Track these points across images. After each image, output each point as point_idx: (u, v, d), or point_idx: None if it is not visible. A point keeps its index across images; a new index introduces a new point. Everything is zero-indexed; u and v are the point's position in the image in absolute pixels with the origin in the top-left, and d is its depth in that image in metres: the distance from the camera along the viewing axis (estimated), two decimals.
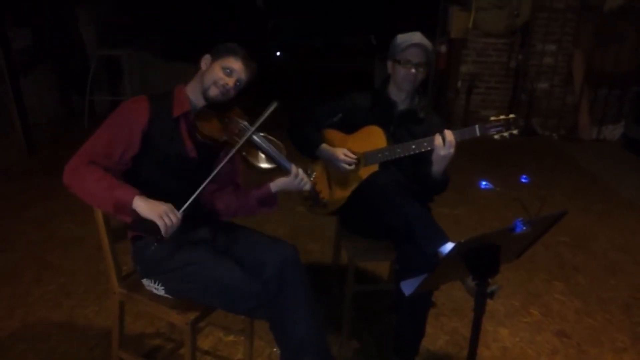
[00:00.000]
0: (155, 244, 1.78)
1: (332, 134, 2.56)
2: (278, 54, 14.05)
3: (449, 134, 2.15)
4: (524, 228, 1.47)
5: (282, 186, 2.05)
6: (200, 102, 1.99)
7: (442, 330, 2.71)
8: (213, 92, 1.95)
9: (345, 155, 2.40)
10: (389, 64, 2.43)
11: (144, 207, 1.75)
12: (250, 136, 1.90)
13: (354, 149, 2.45)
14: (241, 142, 1.87)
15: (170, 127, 1.94)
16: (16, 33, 5.55)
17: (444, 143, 2.14)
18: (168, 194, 1.86)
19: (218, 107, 1.99)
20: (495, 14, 6.31)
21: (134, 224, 1.91)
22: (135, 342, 2.52)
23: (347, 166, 2.40)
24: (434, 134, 2.22)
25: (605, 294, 3.10)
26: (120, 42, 6.53)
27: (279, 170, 1.99)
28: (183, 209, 1.77)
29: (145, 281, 1.99)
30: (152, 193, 1.83)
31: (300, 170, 2.01)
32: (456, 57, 6.66)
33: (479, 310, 1.59)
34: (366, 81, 8.20)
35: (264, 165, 1.97)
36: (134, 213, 1.77)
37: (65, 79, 6.48)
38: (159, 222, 1.72)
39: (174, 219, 1.74)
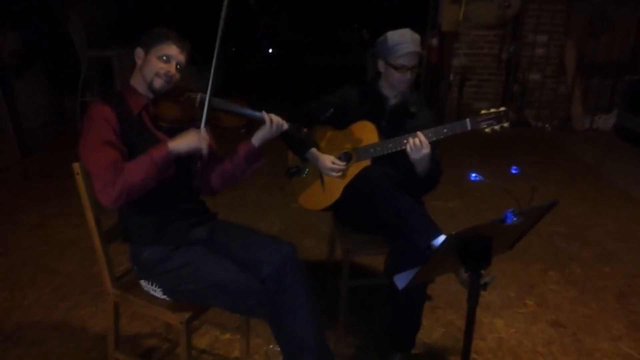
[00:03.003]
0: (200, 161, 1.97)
1: (324, 129, 2.56)
2: (270, 51, 14.02)
3: (419, 136, 2.17)
4: (515, 219, 1.47)
5: (263, 137, 2.08)
6: (149, 94, 1.98)
7: (438, 322, 2.72)
8: (158, 83, 1.94)
9: (333, 163, 2.40)
10: (380, 63, 2.42)
11: (181, 147, 1.87)
12: (212, 101, 1.94)
13: (346, 145, 2.45)
14: (205, 109, 1.92)
15: (135, 124, 1.92)
16: (6, 36, 5.52)
17: (414, 146, 2.16)
18: (162, 186, 1.89)
19: (168, 92, 2.00)
20: (485, 6, 6.30)
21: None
22: (132, 343, 2.52)
23: (334, 174, 2.40)
24: (426, 127, 2.23)
25: (600, 283, 3.12)
26: (111, 42, 6.50)
27: (253, 124, 2.06)
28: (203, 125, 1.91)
29: (143, 282, 2.00)
30: (144, 194, 1.86)
31: (272, 115, 2.05)
32: (448, 51, 6.66)
33: (473, 302, 1.60)
34: (359, 76, 8.20)
35: (237, 123, 2.03)
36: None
37: (57, 81, 6.45)
38: (202, 146, 1.89)
39: (206, 137, 1.91)
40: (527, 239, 1.76)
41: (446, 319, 2.75)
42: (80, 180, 1.89)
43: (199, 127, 1.91)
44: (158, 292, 1.96)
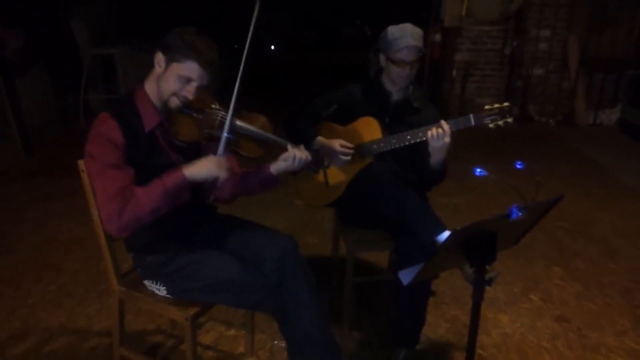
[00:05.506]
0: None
1: (328, 126, 2.56)
2: (273, 48, 14.00)
3: (443, 124, 2.15)
4: (520, 214, 1.46)
5: (283, 168, 1.99)
6: (164, 106, 1.85)
7: (442, 318, 2.72)
8: (174, 103, 1.80)
9: (342, 145, 2.39)
10: (382, 57, 2.42)
11: (198, 174, 1.76)
12: (233, 124, 1.80)
13: (350, 141, 2.45)
14: (224, 136, 1.78)
15: (146, 141, 1.81)
16: (9, 34, 5.53)
17: (437, 135, 2.14)
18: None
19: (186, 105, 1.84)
20: (488, 1, 6.29)
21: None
22: (137, 339, 2.53)
23: (344, 157, 2.39)
24: (429, 123, 2.23)
25: (605, 278, 3.11)
26: (113, 40, 6.51)
27: (274, 149, 1.95)
28: (220, 153, 1.78)
29: (146, 282, 1.99)
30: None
31: (296, 151, 1.92)
32: (450, 46, 6.65)
33: (478, 298, 1.59)
34: (362, 72, 8.19)
35: (256, 152, 1.91)
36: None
37: (60, 79, 6.46)
38: (221, 174, 1.76)
39: (226, 163, 1.77)
40: (531, 234, 1.76)
41: (450, 314, 2.75)
42: (85, 177, 1.89)
43: (216, 146, 1.80)
44: (162, 291, 1.96)
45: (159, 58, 1.79)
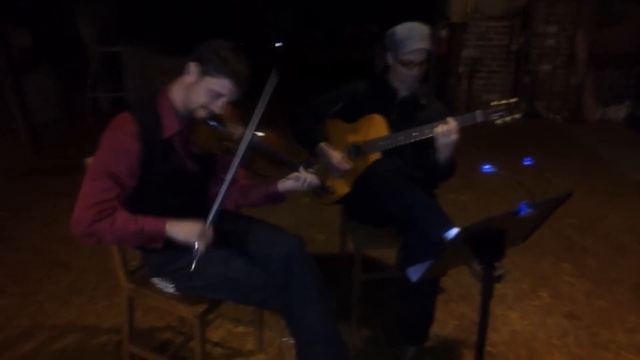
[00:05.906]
0: (194, 263, 1.76)
1: (334, 123, 2.55)
2: (277, 45, 13.98)
3: (450, 121, 2.14)
4: (529, 211, 1.46)
5: (290, 189, 2.00)
6: (187, 114, 1.85)
7: (451, 315, 2.71)
8: (200, 114, 1.81)
9: (340, 162, 2.40)
10: (389, 57, 2.40)
11: (178, 234, 1.77)
12: (251, 141, 1.77)
13: (356, 138, 2.44)
14: (241, 151, 1.74)
15: (163, 147, 1.82)
16: (15, 33, 5.55)
17: (443, 131, 2.13)
18: (174, 211, 1.84)
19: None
20: None
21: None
22: (146, 336, 2.54)
23: (338, 174, 2.40)
24: (435, 120, 2.22)
25: (614, 275, 3.10)
26: (120, 38, 6.52)
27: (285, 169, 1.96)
28: (209, 222, 1.76)
29: (154, 280, 2.00)
30: (159, 214, 1.80)
31: (307, 174, 1.94)
32: (457, 42, 6.62)
33: (487, 295, 1.59)
34: (367, 70, 8.16)
35: (269, 170, 1.92)
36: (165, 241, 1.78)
37: (66, 78, 6.47)
38: (200, 245, 1.74)
39: (209, 236, 1.76)
40: (539, 231, 1.75)
41: (459, 311, 2.75)
42: None
43: (231, 160, 1.76)
44: (170, 288, 1.97)
45: (192, 67, 1.78)
